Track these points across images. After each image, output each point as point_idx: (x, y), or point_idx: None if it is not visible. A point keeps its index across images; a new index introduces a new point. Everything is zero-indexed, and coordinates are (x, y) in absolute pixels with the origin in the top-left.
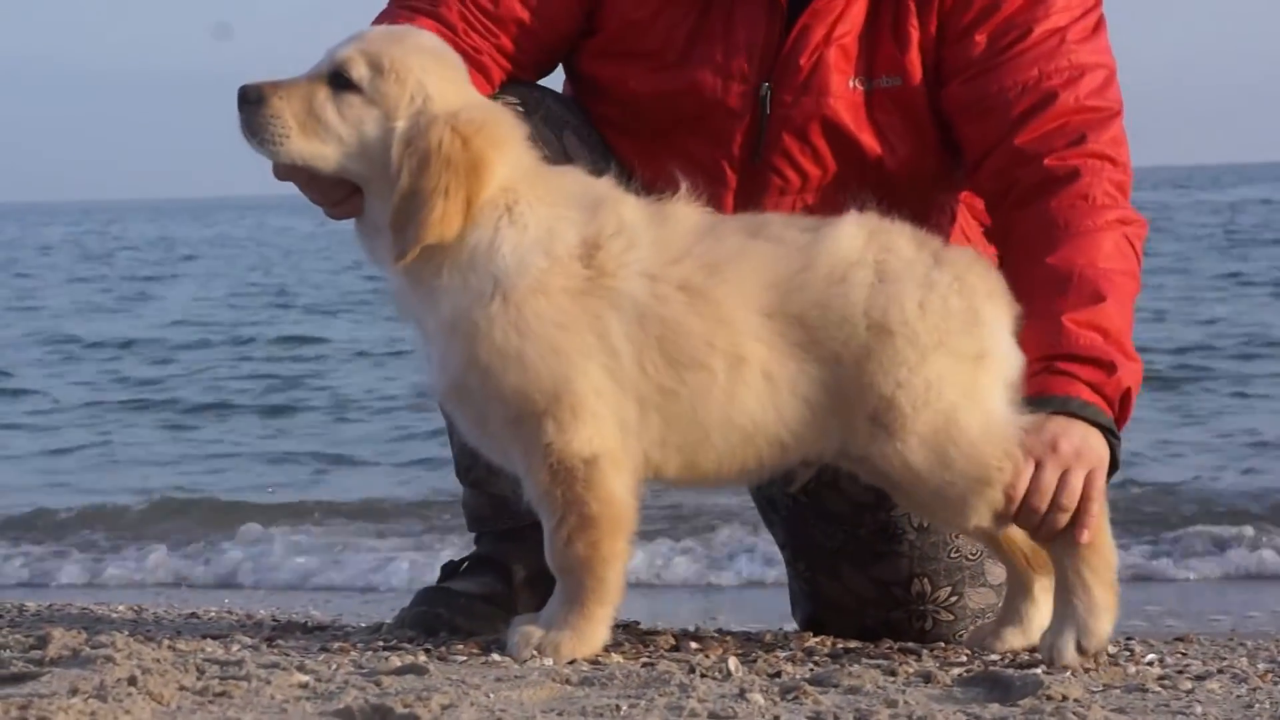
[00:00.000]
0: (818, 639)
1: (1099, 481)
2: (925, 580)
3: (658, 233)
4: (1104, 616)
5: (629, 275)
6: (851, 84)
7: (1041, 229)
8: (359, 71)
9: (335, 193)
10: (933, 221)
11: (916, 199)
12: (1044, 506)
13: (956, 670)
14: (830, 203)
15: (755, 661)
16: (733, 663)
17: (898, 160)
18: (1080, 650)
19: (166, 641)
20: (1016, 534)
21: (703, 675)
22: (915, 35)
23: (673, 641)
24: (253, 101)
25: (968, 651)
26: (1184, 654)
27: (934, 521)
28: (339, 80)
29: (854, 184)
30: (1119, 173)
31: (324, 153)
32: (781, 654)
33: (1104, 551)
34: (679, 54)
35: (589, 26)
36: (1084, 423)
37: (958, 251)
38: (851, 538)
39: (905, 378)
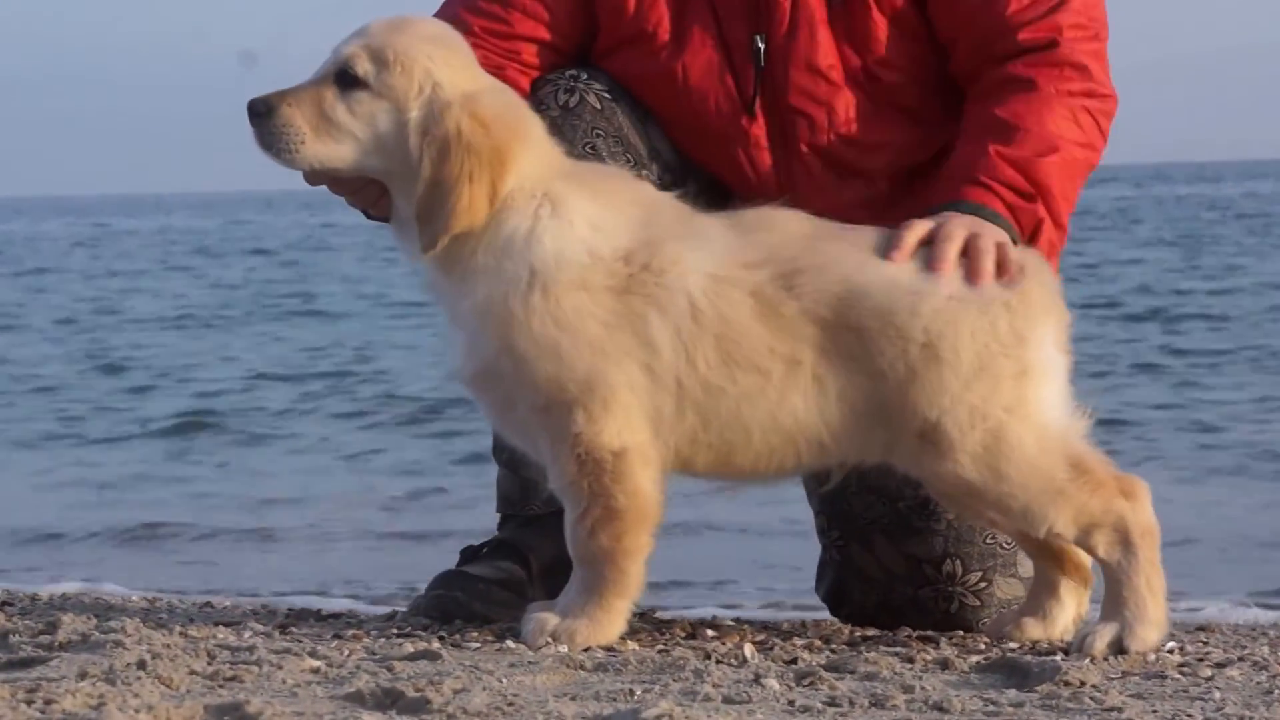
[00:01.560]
0: (835, 626)
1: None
2: (957, 561)
3: (736, 238)
4: (1153, 628)
5: (683, 274)
6: (830, 1)
7: (999, 85)
8: (364, 67)
9: (367, 192)
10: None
11: (936, 128)
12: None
13: (975, 658)
14: (863, 145)
15: (772, 649)
16: (749, 649)
17: (900, 70)
18: (1119, 649)
19: (178, 628)
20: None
21: (718, 661)
22: None
23: (689, 629)
24: (262, 113)
25: (986, 641)
26: (1205, 642)
27: (1010, 526)
28: (345, 79)
29: (871, 115)
30: (1096, 43)
31: (340, 153)
32: (799, 641)
33: (1161, 571)
34: (671, 30)
35: (593, 28)
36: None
37: (1025, 259)
38: (890, 510)
39: (949, 405)
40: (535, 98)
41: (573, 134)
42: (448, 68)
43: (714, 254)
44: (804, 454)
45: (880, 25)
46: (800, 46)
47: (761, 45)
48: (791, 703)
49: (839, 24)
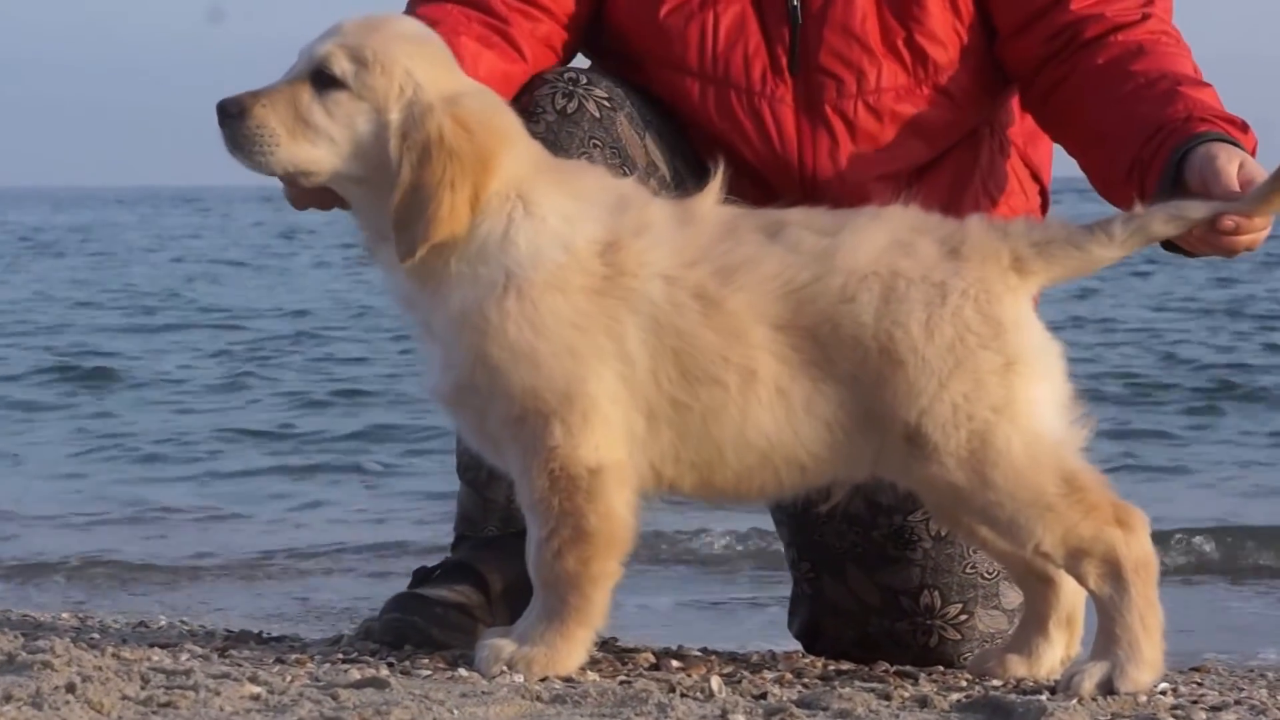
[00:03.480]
0: (808, 659)
1: None
2: (935, 593)
3: (678, 233)
4: (1146, 669)
5: (648, 276)
6: None
7: (1120, 53)
8: (341, 66)
9: (325, 199)
10: (986, 146)
11: (969, 110)
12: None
13: (955, 696)
14: (891, 117)
15: (740, 682)
16: (716, 683)
17: (947, 47)
18: (1109, 689)
19: (110, 649)
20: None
21: (683, 695)
22: None
23: (653, 659)
24: (234, 115)
25: (968, 677)
26: (1199, 684)
27: (997, 542)
28: (322, 79)
29: (905, 88)
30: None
31: (317, 156)
32: (769, 675)
33: (1158, 608)
34: None
35: None
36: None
37: (983, 235)
38: (864, 539)
39: (927, 405)
40: (531, 99)
41: (569, 141)
42: (429, 68)
43: (668, 251)
44: (784, 474)
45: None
46: (838, 10)
47: (797, 4)
48: None
49: None
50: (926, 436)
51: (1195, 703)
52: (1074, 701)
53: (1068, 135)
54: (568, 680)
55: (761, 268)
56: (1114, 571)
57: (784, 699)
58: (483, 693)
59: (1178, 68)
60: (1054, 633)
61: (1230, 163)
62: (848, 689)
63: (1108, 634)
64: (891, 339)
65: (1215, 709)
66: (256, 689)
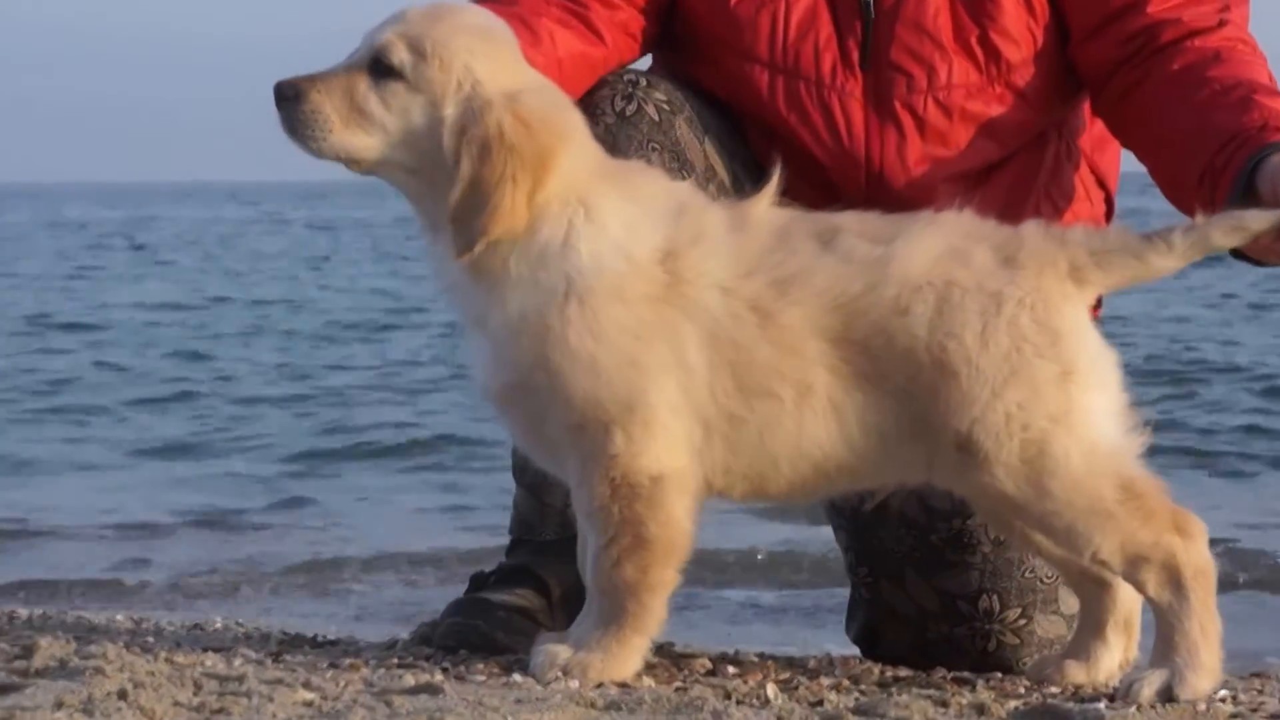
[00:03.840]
0: (865, 665)
1: None
2: (994, 597)
3: (733, 240)
4: (1206, 676)
5: (705, 286)
6: None
7: (1196, 59)
8: (400, 57)
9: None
10: (1053, 150)
11: (1039, 110)
12: None
13: (1013, 703)
14: (961, 114)
15: (797, 689)
16: (771, 689)
17: (1021, 46)
18: (1167, 697)
19: (164, 654)
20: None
21: (739, 702)
22: None
23: (709, 665)
24: (290, 98)
25: (1026, 683)
26: (1260, 690)
27: (1052, 549)
28: (379, 68)
29: (976, 86)
30: (1244, 7)
31: (370, 144)
32: (826, 681)
33: (1216, 615)
34: None
35: None
36: None
37: (1040, 243)
38: (922, 543)
39: (980, 414)
40: (591, 101)
41: (627, 144)
42: (490, 62)
43: (725, 260)
44: (837, 482)
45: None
46: (911, 6)
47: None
48: None
49: None
50: (978, 445)
51: (1255, 710)
52: (1133, 709)
53: (1139, 140)
54: (623, 686)
55: (815, 280)
56: (1173, 578)
57: (840, 706)
58: (537, 699)
59: (1254, 75)
60: (1111, 638)
61: None
62: (905, 696)
63: (1167, 641)
64: (945, 350)
65: (1276, 716)
66: (309, 695)
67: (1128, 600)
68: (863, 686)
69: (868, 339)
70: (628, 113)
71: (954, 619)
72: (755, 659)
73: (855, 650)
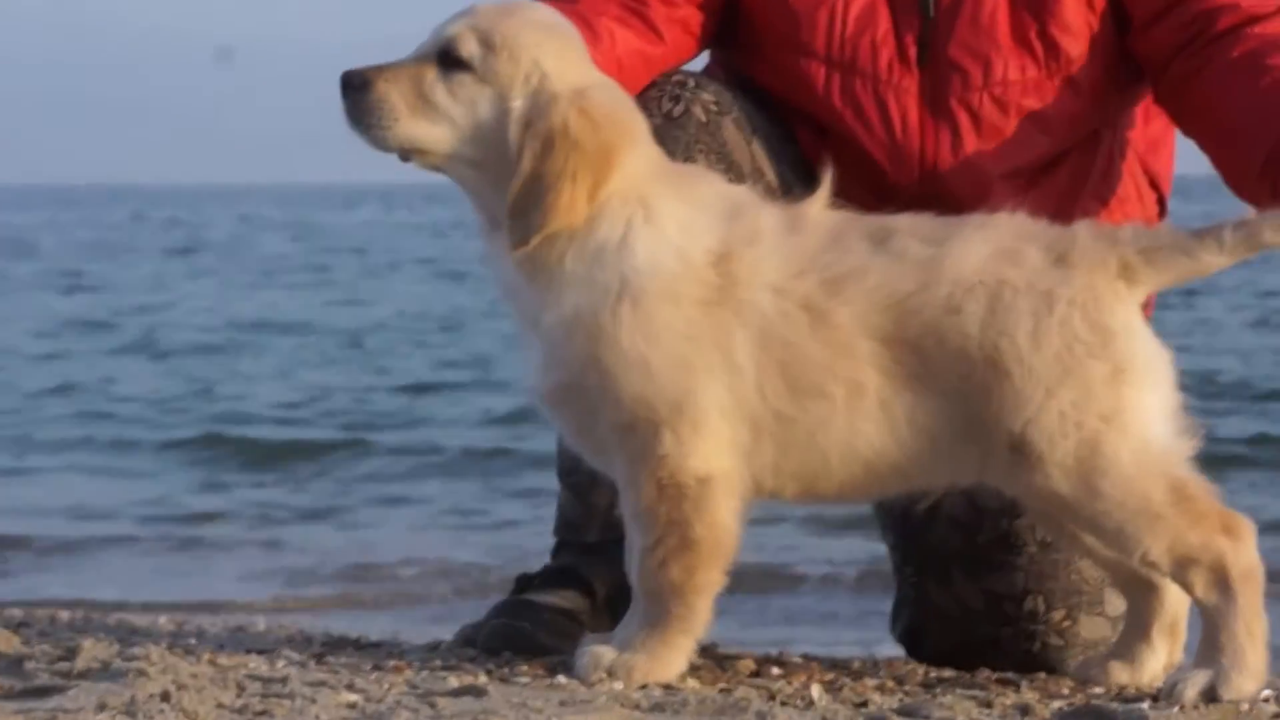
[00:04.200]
0: (910, 666)
1: None
2: (1040, 599)
3: (787, 241)
4: (1251, 678)
5: (759, 288)
6: None
7: (1257, 46)
8: (469, 49)
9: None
10: (1106, 149)
11: (1095, 104)
12: None
13: (1057, 703)
14: (1018, 110)
15: (841, 690)
16: (816, 690)
17: (1080, 39)
18: (1211, 697)
19: (207, 656)
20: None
21: (783, 703)
22: None
23: (754, 666)
24: (357, 87)
25: (1070, 684)
26: None
27: (1101, 550)
28: (448, 59)
29: (1033, 81)
30: None
31: (436, 134)
32: (870, 682)
33: (1263, 617)
34: None
35: None
36: None
37: (1092, 242)
38: (969, 543)
39: (1034, 415)
40: (640, 101)
41: (674, 145)
42: (557, 58)
43: (778, 261)
44: (888, 483)
45: None
46: (969, 5)
47: None
48: None
49: None
50: (1032, 446)
51: None
52: (1176, 709)
53: (1200, 129)
54: (667, 688)
55: (867, 279)
56: (1221, 580)
57: (885, 707)
58: (581, 701)
59: None
60: (1157, 640)
61: None
62: (949, 697)
63: (1212, 642)
64: (997, 349)
65: None
66: (353, 697)
67: (1174, 603)
68: (907, 687)
69: (920, 339)
70: (675, 114)
71: (999, 619)
72: (800, 660)
73: (900, 651)
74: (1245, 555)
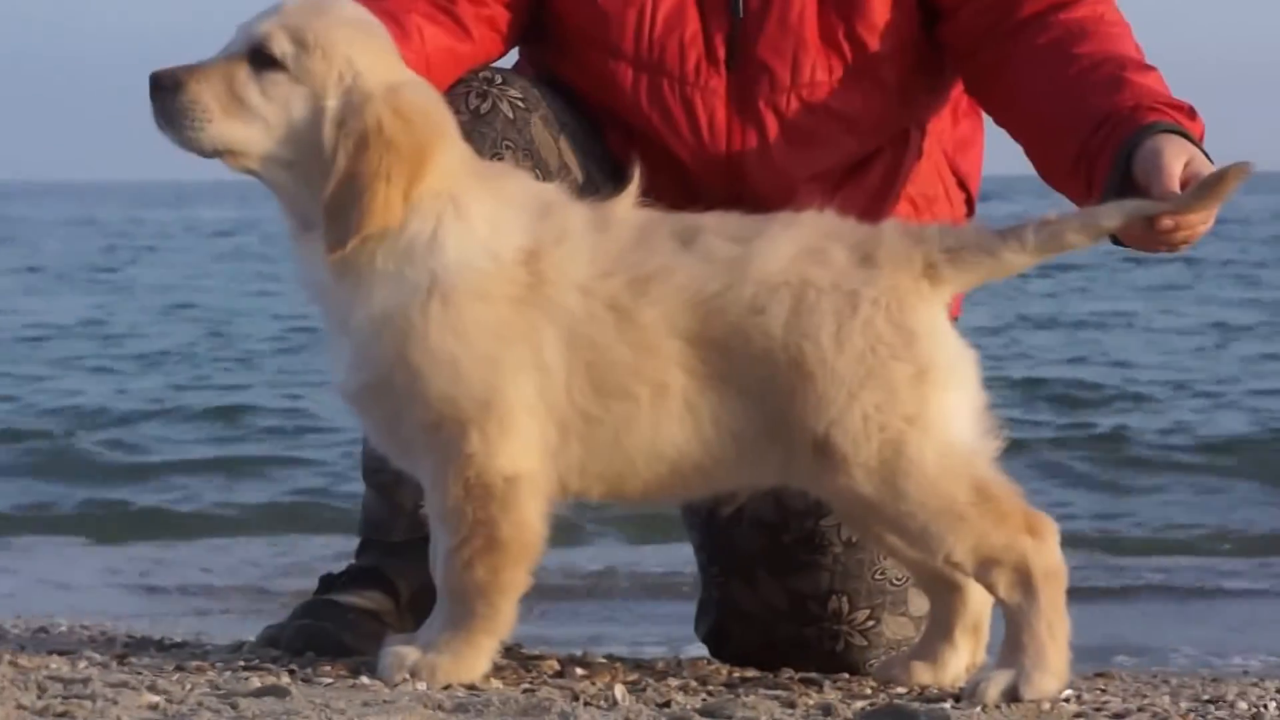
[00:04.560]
0: (713, 666)
1: None
2: (844, 599)
3: (595, 240)
4: (1052, 677)
5: (566, 287)
6: None
7: (1062, 34)
8: (282, 47)
9: None
10: (914, 149)
11: (904, 104)
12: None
13: (859, 703)
14: (825, 111)
15: (645, 690)
16: (619, 691)
17: (886, 38)
18: (1013, 697)
19: (8, 656)
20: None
21: (587, 703)
22: None
23: (558, 667)
24: (167, 88)
25: (873, 684)
26: (1103, 690)
27: (906, 550)
28: (260, 58)
29: (840, 81)
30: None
31: (249, 135)
32: (674, 682)
33: (1065, 617)
34: None
35: None
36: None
37: (898, 242)
38: (774, 543)
39: (837, 416)
40: (447, 98)
41: (481, 141)
42: (370, 56)
43: (585, 260)
44: (694, 484)
45: None
46: (778, 5)
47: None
48: None
49: None
50: (836, 447)
51: (1099, 710)
52: (978, 709)
53: (1011, 120)
54: (471, 688)
55: (674, 278)
56: (1024, 580)
57: (688, 707)
58: (385, 701)
59: (1122, 49)
60: (960, 640)
61: (1176, 160)
62: (752, 697)
63: (1015, 642)
64: (801, 351)
65: (1118, 716)
66: (155, 698)
67: (978, 604)
68: (710, 687)
69: (725, 339)
70: (482, 110)
71: (803, 619)
72: (604, 660)
73: (704, 652)
74: (1048, 555)
